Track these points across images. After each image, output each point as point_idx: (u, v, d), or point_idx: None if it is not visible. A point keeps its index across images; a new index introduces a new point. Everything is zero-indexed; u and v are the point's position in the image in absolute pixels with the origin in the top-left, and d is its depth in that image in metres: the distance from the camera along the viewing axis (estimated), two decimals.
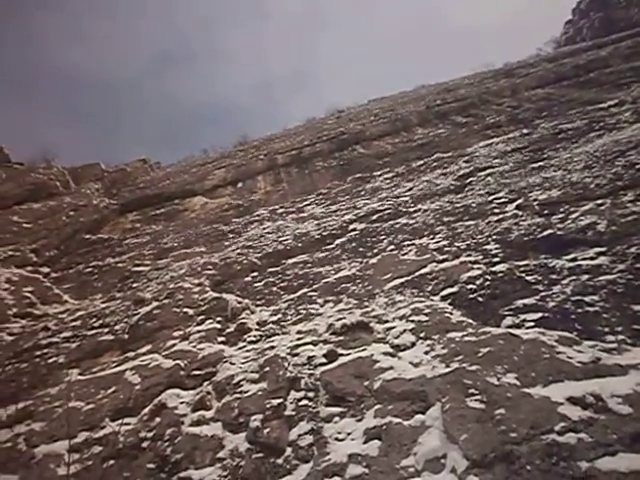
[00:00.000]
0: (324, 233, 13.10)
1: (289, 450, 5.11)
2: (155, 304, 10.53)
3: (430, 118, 23.24)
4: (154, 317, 9.99)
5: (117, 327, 10.18)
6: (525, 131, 16.94)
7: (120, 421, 6.35)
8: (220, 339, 8.56)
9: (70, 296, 13.96)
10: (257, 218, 17.41)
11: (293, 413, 5.60)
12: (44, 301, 13.25)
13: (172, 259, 15.07)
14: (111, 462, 5.84)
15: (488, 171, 13.61)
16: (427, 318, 6.69)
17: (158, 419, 6.35)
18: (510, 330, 5.65)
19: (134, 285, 13.55)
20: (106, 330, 10.22)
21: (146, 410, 6.65)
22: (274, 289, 10.52)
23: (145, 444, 5.98)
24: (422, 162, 17.77)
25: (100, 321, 10.79)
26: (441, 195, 13.05)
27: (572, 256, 7.13)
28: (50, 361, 9.55)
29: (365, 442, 4.69)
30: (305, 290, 9.78)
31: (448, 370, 5.06)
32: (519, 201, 10.11)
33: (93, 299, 13.34)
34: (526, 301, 6.40)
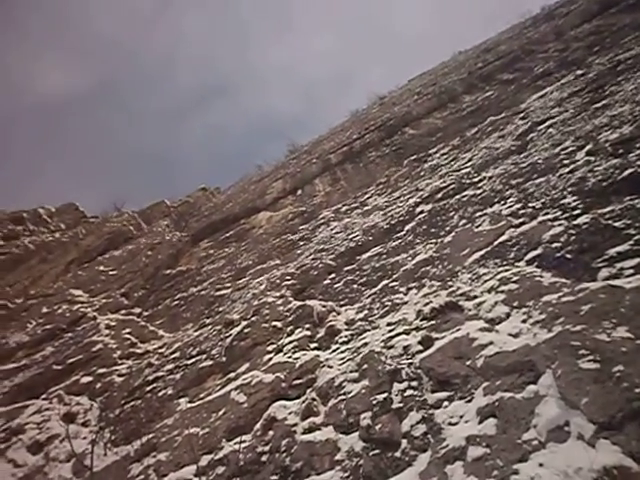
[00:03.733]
0: (392, 222, 12.99)
1: (404, 442, 5.10)
2: (244, 323, 10.85)
3: (475, 83, 22.41)
4: (246, 336, 10.31)
5: (214, 351, 10.60)
6: (579, 72, 15.97)
7: (237, 439, 6.61)
8: (313, 345, 8.71)
9: (164, 330, 14.72)
10: (323, 221, 17.50)
11: (401, 405, 5.59)
12: (143, 339, 14.06)
13: (250, 277, 15.47)
14: None
15: (548, 123, 12.95)
16: (517, 286, 6.45)
17: (271, 432, 6.56)
18: (609, 282, 5.35)
19: (220, 309, 14.05)
20: (204, 356, 10.67)
21: (258, 425, 6.90)
22: (355, 287, 10.55)
23: (264, 458, 6.20)
24: (476, 129, 17.19)
25: (197, 349, 11.29)
26: (503, 158, 12.56)
27: None
28: (160, 394, 10.12)
29: (480, 422, 4.60)
30: (386, 282, 9.74)
31: (552, 335, 4.86)
32: (589, 146, 9.54)
33: (185, 329, 13.98)
34: (619, 249, 6.02)
